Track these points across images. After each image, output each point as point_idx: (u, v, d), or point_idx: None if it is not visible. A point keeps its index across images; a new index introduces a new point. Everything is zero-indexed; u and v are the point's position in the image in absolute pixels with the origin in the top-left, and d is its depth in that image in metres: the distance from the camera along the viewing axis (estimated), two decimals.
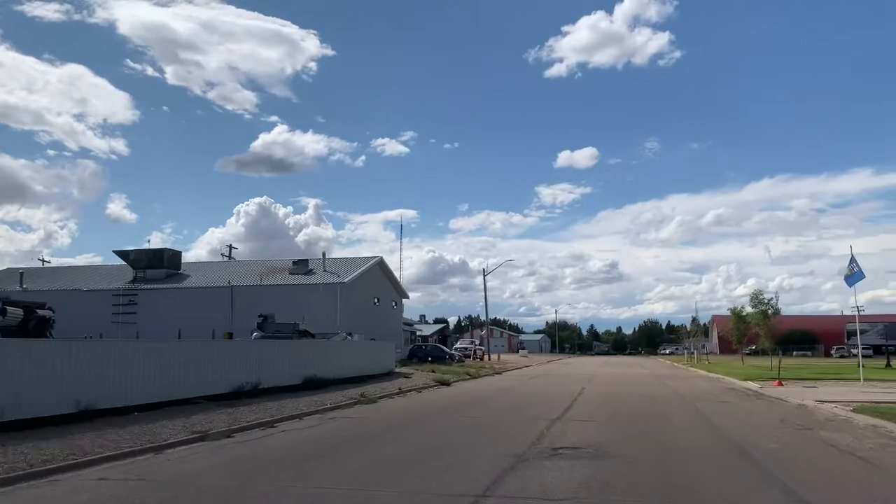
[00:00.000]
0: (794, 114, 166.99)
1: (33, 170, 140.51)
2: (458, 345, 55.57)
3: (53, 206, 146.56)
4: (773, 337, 46.89)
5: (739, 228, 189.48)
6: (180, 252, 45.45)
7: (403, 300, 51.51)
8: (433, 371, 32.73)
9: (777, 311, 46.43)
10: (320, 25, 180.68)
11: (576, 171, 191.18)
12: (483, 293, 57.95)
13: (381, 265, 45.56)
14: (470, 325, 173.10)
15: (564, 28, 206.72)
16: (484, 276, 57.23)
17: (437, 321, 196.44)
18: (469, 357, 53.51)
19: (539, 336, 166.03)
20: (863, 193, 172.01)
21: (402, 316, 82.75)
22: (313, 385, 21.53)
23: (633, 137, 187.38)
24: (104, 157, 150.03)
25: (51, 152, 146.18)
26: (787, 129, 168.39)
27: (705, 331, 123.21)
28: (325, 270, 41.13)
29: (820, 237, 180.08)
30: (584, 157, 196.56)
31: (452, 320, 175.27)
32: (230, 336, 30.32)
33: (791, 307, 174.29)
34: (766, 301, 45.73)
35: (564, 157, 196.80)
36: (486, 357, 56.63)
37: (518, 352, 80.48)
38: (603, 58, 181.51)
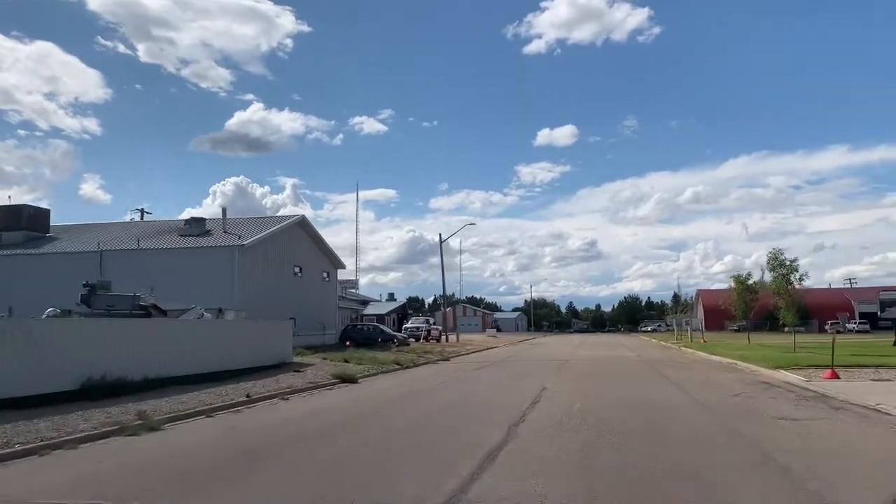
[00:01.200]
0: (772, 91, 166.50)
1: (3, 150, 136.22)
2: (409, 324, 47.06)
3: (25, 187, 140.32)
4: (797, 308, 37.52)
5: (717, 206, 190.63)
6: (48, 211, 36.10)
7: (340, 271, 42.63)
8: (354, 360, 24.17)
9: (802, 277, 36.15)
10: (296, 2, 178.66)
11: (555, 149, 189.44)
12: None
13: (303, 226, 36.65)
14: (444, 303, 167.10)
15: (543, 3, 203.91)
16: (440, 243, 48.79)
17: (410, 300, 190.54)
18: (422, 339, 45.14)
19: (515, 314, 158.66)
20: (838, 170, 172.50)
21: (354, 291, 74.14)
22: (103, 391, 12.93)
23: (613, 115, 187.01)
24: (76, 136, 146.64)
25: (21, 132, 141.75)
26: (765, 106, 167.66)
27: (685, 307, 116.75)
28: (225, 231, 32.18)
29: (797, 214, 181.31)
30: (563, 135, 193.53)
31: (430, 300, 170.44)
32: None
33: None
34: (787, 263, 35.51)
35: (544, 136, 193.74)
36: (443, 338, 48.21)
37: (486, 331, 72.43)
38: (582, 34, 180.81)
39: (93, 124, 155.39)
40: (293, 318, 33.49)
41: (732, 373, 20.75)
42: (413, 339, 44.72)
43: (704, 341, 43.97)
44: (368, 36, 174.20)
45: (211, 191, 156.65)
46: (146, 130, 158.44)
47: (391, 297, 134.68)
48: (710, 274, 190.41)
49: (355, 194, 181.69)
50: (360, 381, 18.69)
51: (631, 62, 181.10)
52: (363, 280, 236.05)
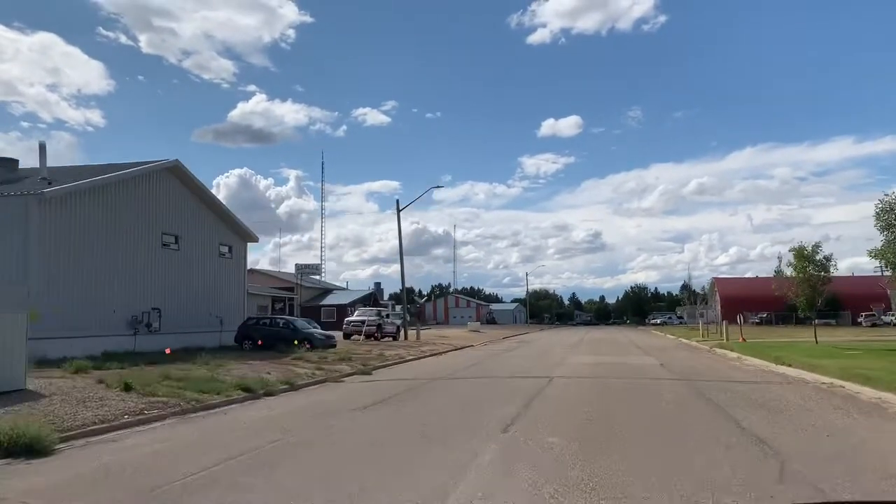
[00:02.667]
0: (777, 82, 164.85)
1: (6, 142, 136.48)
2: (354, 316, 36.14)
3: None
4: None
5: (722, 197, 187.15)
6: None
7: (251, 245, 31.71)
8: (166, 382, 13.43)
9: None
10: None
11: (559, 140, 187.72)
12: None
13: (179, 177, 25.68)
14: (441, 293, 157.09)
15: None
16: (398, 212, 37.85)
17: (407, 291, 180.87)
18: (372, 336, 34.36)
19: (513, 305, 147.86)
20: (843, 162, 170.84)
21: (317, 278, 63.44)
22: None
23: (617, 106, 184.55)
24: (79, 128, 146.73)
25: (24, 124, 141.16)
26: (770, 97, 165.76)
27: (702, 298, 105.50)
28: (42, 179, 21.27)
29: (802, 205, 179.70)
30: (567, 125, 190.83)
31: (427, 291, 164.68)
32: None
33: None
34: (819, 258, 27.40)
35: (548, 126, 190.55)
36: (402, 334, 37.41)
37: (469, 324, 61.48)
38: (587, 23, 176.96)
39: (96, 116, 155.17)
40: (156, 308, 22.71)
41: (888, 420, 9.80)
42: (357, 336, 33.96)
43: (744, 339, 33.08)
44: (371, 27, 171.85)
45: (214, 183, 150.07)
46: (149, 122, 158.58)
47: (378, 287, 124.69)
48: (715, 266, 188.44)
49: (359, 186, 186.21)
50: (54, 451, 7.96)
51: (636, 52, 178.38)
52: (366, 272, 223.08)
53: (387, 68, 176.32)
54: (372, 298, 63.21)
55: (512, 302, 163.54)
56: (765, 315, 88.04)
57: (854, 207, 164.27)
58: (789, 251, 28.55)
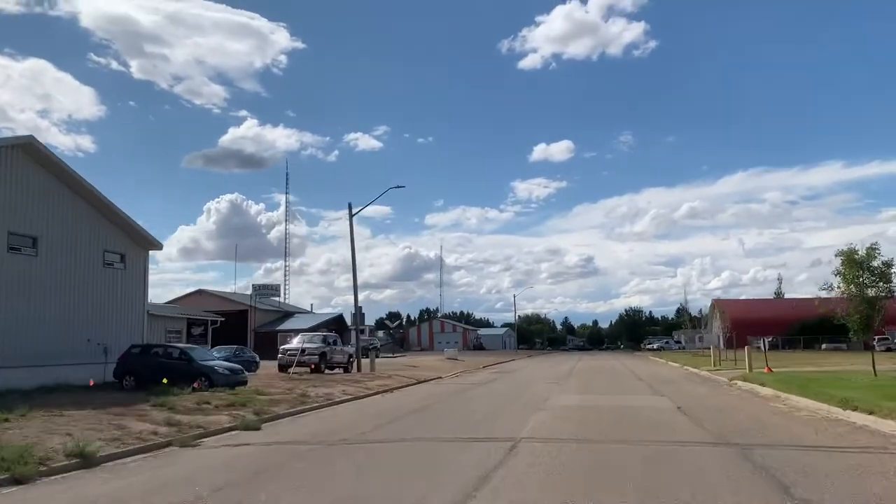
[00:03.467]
0: (767, 107, 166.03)
1: None
2: (291, 344, 29.76)
3: None
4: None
5: (714, 221, 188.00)
6: None
7: (155, 253, 25.28)
8: None
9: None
10: (290, 18, 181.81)
11: (551, 164, 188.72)
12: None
13: (33, 155, 19.44)
14: (428, 317, 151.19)
15: (538, 18, 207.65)
16: (350, 217, 31.78)
17: (391, 316, 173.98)
18: (315, 368, 28.06)
19: (503, 330, 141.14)
20: (834, 186, 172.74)
21: (278, 300, 56.88)
22: None
23: (608, 130, 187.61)
24: (70, 154, 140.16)
25: None
26: (760, 121, 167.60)
27: (698, 321, 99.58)
28: None
29: (793, 229, 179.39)
30: (559, 150, 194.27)
31: (416, 316, 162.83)
32: None
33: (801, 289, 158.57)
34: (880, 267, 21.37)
35: (540, 151, 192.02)
36: (353, 366, 31.13)
37: (446, 351, 54.45)
38: (577, 48, 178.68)
39: (86, 141, 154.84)
40: None
41: None
42: (299, 367, 27.60)
43: (770, 370, 26.94)
44: (363, 52, 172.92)
45: (205, 208, 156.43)
46: (140, 147, 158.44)
47: (359, 311, 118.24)
48: (708, 290, 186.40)
49: (346, 210, 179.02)
50: None
51: (626, 77, 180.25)
52: (357, 297, 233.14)
53: (379, 93, 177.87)
54: (341, 322, 56.79)
55: (502, 327, 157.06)
56: (770, 339, 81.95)
57: (845, 231, 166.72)
58: (836, 255, 22.47)
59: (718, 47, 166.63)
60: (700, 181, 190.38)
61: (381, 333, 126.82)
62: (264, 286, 55.53)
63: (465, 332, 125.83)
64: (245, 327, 51.86)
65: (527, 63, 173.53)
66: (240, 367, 20.49)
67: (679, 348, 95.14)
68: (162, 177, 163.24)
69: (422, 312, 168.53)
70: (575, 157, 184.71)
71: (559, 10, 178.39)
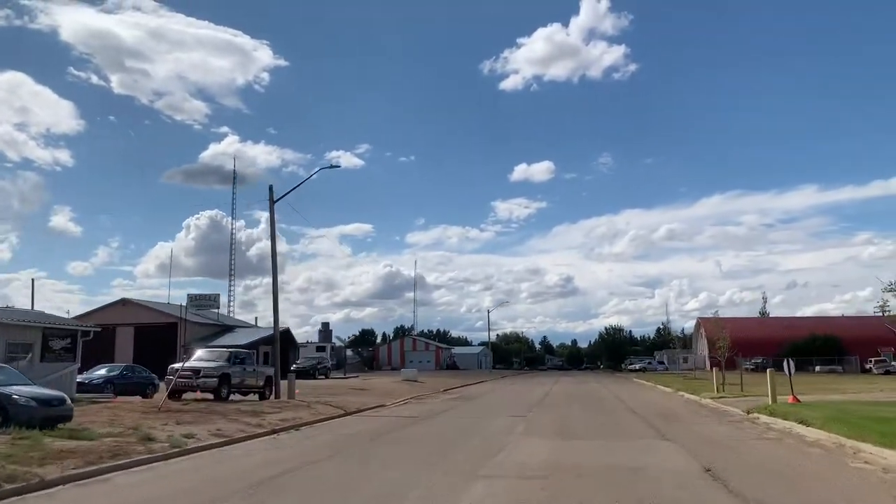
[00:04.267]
0: (744, 131, 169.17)
1: None
2: (188, 363, 22.98)
3: None
4: None
5: (691, 243, 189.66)
6: None
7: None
8: None
9: None
10: (273, 36, 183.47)
11: (532, 185, 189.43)
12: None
13: None
14: (402, 335, 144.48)
15: (520, 40, 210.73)
16: (271, 204, 25.43)
17: (364, 333, 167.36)
18: (216, 394, 21.61)
19: (479, 349, 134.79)
20: (808, 210, 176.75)
21: (218, 312, 50.21)
22: None
23: (588, 152, 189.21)
24: (48, 168, 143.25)
25: None
26: (738, 145, 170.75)
27: (684, 342, 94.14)
28: None
29: (769, 252, 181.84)
30: (540, 171, 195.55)
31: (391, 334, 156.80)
32: None
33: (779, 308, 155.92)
34: None
35: (521, 171, 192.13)
36: (271, 392, 24.63)
37: (402, 372, 47.58)
38: (558, 70, 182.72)
39: (65, 156, 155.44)
40: None
41: None
42: (201, 392, 21.11)
43: (796, 399, 21.03)
44: (345, 71, 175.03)
45: (184, 224, 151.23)
46: (119, 162, 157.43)
47: (325, 327, 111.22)
48: (685, 311, 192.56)
49: (331, 229, 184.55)
50: None
51: (606, 99, 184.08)
52: (337, 315, 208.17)
53: (361, 112, 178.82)
54: (289, 338, 50.13)
55: (479, 345, 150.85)
56: (759, 360, 76.98)
57: (820, 254, 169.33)
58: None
59: (697, 71, 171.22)
60: (678, 203, 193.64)
61: (349, 352, 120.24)
62: (201, 296, 48.87)
63: (438, 350, 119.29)
64: (176, 342, 45.11)
65: (508, 84, 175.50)
66: (61, 396, 14.08)
67: (663, 369, 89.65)
68: (141, 192, 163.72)
69: (396, 330, 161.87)
70: (555, 177, 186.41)
71: (540, 33, 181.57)
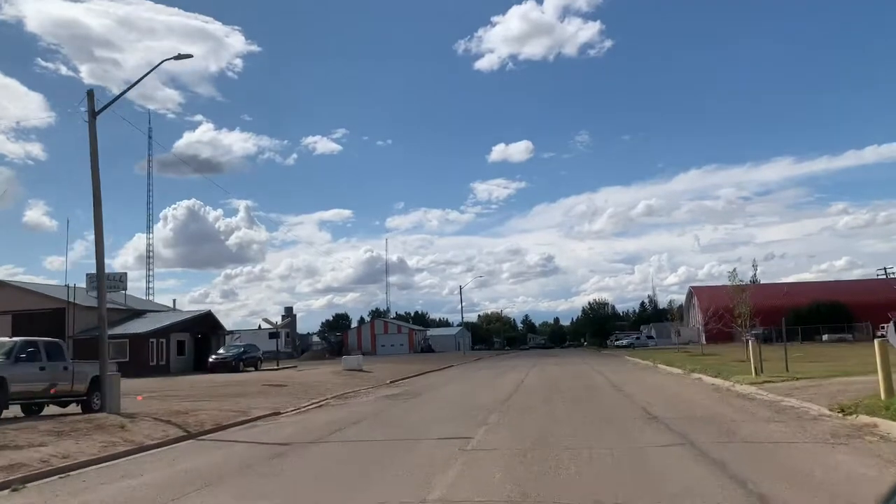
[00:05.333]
0: (720, 104, 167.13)
1: None
2: None
3: None
4: None
5: (670, 218, 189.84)
6: None
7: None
8: None
9: None
10: (244, 22, 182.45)
11: (510, 165, 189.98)
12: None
13: None
14: (373, 318, 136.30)
15: (494, 18, 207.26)
16: (91, 114, 17.03)
17: (338, 317, 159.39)
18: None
19: (456, 330, 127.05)
20: (784, 182, 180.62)
21: (126, 294, 40.66)
22: None
23: (566, 130, 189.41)
24: (20, 161, 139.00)
25: None
26: (714, 119, 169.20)
27: (679, 314, 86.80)
28: None
29: (746, 224, 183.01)
30: (518, 150, 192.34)
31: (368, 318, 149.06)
32: None
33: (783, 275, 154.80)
34: None
35: (499, 152, 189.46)
36: (100, 400, 16.08)
37: (343, 360, 38.06)
38: (534, 48, 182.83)
39: (36, 149, 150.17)
40: None
41: None
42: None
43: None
44: (319, 55, 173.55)
45: (162, 215, 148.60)
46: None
47: (289, 312, 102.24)
48: (665, 286, 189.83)
49: (311, 215, 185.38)
50: None
51: (582, 76, 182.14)
52: (320, 302, 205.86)
53: (336, 96, 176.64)
54: (207, 322, 41.49)
55: (457, 326, 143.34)
56: (761, 331, 69.55)
57: (797, 225, 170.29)
58: None
59: (672, 46, 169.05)
60: (656, 179, 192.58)
61: (315, 338, 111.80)
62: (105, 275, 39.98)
63: (411, 332, 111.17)
64: (65, 331, 36.34)
65: (483, 64, 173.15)
66: None
67: (654, 345, 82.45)
68: (117, 184, 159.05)
69: (371, 314, 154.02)
70: (534, 157, 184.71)
71: (515, 10, 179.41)
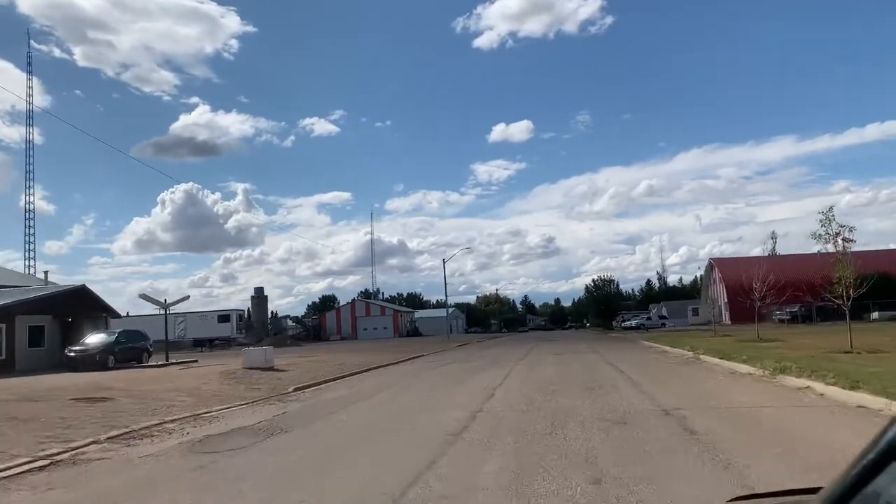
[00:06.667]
0: (722, 82, 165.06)
1: None
2: None
3: None
4: None
5: (671, 199, 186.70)
6: None
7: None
8: None
9: None
10: (239, 2, 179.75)
11: (511, 146, 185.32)
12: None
13: None
14: (357, 299, 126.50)
15: None
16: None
17: (325, 299, 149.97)
18: None
19: (450, 311, 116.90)
20: (785, 161, 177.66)
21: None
22: None
23: (566, 110, 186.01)
24: (16, 146, 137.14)
25: None
26: (715, 97, 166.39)
27: (698, 290, 76.41)
28: None
29: (748, 204, 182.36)
30: (518, 130, 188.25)
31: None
32: None
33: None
34: None
35: (499, 132, 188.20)
36: None
37: (246, 351, 28.06)
38: (533, 26, 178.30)
39: (33, 133, 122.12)
40: None
41: None
42: None
43: None
44: (316, 35, 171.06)
45: (159, 199, 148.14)
46: (89, 138, 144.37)
47: (253, 302, 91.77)
48: (667, 266, 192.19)
49: (310, 198, 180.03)
50: None
51: (583, 54, 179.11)
52: (319, 285, 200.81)
53: (334, 77, 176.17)
54: (81, 297, 31.10)
55: (451, 307, 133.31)
56: (795, 309, 59.65)
57: (798, 204, 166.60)
58: None
59: (673, 24, 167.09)
60: (657, 159, 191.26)
61: (289, 321, 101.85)
62: None
63: (396, 314, 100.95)
64: None
65: (483, 42, 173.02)
66: None
67: (662, 327, 72.28)
68: (114, 167, 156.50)
69: (359, 294, 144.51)
70: (534, 137, 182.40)
71: None
